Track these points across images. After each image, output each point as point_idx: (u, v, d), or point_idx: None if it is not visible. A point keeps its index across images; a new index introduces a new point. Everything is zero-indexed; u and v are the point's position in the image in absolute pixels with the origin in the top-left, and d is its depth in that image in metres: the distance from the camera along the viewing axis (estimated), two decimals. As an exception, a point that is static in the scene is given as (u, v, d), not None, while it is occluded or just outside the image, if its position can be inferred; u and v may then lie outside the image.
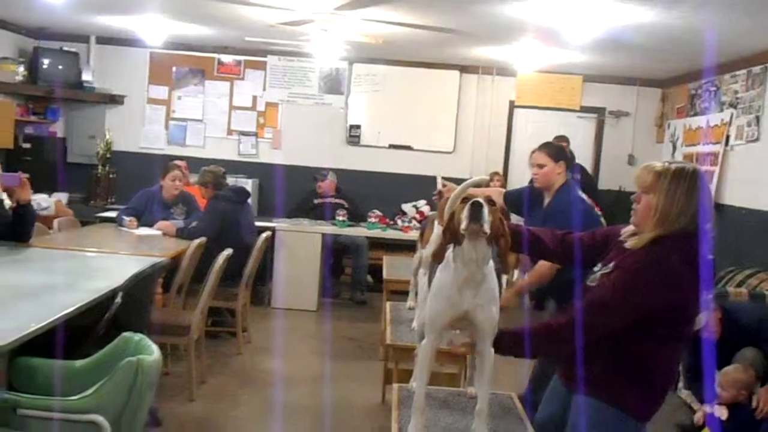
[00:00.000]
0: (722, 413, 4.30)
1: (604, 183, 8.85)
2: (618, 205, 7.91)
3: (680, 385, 5.08)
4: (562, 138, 8.18)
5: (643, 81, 8.85)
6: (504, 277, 7.56)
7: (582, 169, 8.31)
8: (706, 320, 4.18)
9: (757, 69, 6.54)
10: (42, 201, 6.52)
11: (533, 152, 4.34)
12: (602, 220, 4.54)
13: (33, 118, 8.61)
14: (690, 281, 2.34)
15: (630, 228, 2.53)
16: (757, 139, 6.44)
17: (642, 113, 8.93)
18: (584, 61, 7.87)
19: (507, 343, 2.47)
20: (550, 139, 8.28)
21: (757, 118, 6.44)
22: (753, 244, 6.20)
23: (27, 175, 4.60)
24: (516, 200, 4.50)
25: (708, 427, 4.39)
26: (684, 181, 2.38)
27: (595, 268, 2.56)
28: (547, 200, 4.29)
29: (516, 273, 8.03)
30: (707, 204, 2.41)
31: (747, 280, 5.65)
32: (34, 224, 4.88)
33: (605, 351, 2.44)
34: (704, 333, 4.05)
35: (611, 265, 2.47)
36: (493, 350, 2.47)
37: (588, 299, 2.44)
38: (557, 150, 4.32)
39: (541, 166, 4.25)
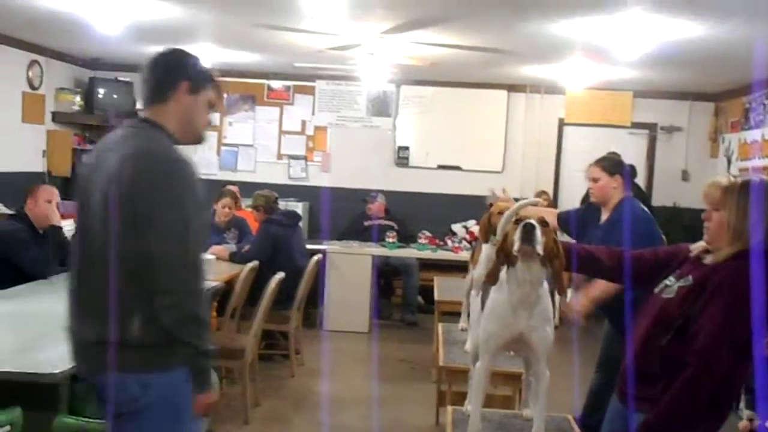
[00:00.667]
0: None
1: (658, 200, 8.70)
2: (673, 222, 7.77)
3: (741, 404, 4.94)
4: (615, 154, 8.07)
5: (695, 95, 8.71)
6: (557, 298, 7.53)
7: (635, 185, 8.19)
8: None
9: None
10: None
11: (589, 166, 4.29)
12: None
13: (90, 146, 8.83)
14: None
15: (700, 245, 2.49)
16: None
17: (695, 128, 8.78)
18: (634, 77, 7.78)
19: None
20: (600, 155, 8.25)
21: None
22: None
23: None
24: (569, 220, 4.44)
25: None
26: (753, 194, 2.35)
27: (667, 282, 2.50)
28: (605, 216, 4.21)
29: (570, 292, 7.93)
30: None
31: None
32: None
33: (667, 367, 2.39)
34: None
35: (690, 278, 2.42)
36: (547, 372, 2.44)
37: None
38: (613, 164, 4.23)
39: (595, 180, 4.19)
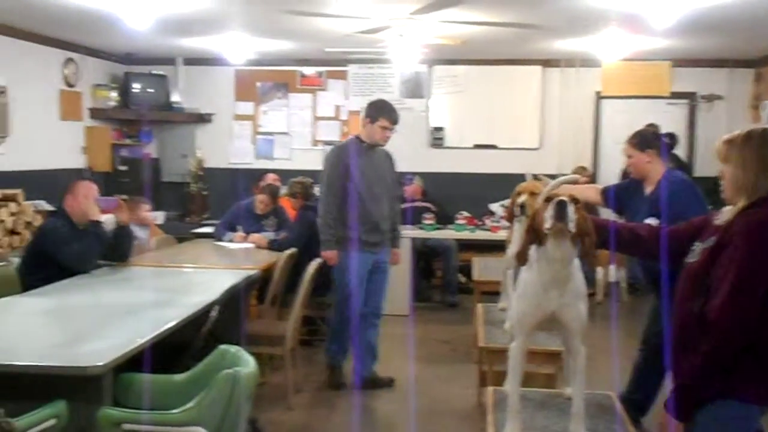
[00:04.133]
0: None
1: (700, 170, 8.53)
2: (715, 192, 7.58)
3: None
4: (652, 126, 7.93)
5: (735, 62, 8.51)
6: (599, 271, 7.45)
7: (674, 156, 8.04)
8: None
9: None
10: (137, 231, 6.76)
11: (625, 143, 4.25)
12: None
13: (127, 141, 8.96)
14: None
15: (728, 208, 2.44)
16: None
17: (736, 95, 8.58)
18: (671, 46, 7.62)
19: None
20: (639, 128, 8.10)
21: None
22: None
23: (124, 197, 4.82)
24: (609, 196, 4.37)
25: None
26: (753, 144, 2.29)
27: (693, 247, 2.45)
28: (649, 189, 4.12)
29: (612, 269, 7.85)
30: None
31: None
32: (132, 245, 5.08)
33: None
34: None
35: (712, 239, 2.37)
36: (584, 348, 2.41)
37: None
38: (642, 139, 4.15)
39: (629, 157, 4.15)
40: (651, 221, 3.61)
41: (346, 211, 4.98)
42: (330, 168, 5.08)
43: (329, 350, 5.33)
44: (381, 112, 5.10)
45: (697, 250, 2.42)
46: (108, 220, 4.92)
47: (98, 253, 4.71)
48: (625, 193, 4.25)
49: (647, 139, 4.15)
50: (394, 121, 5.18)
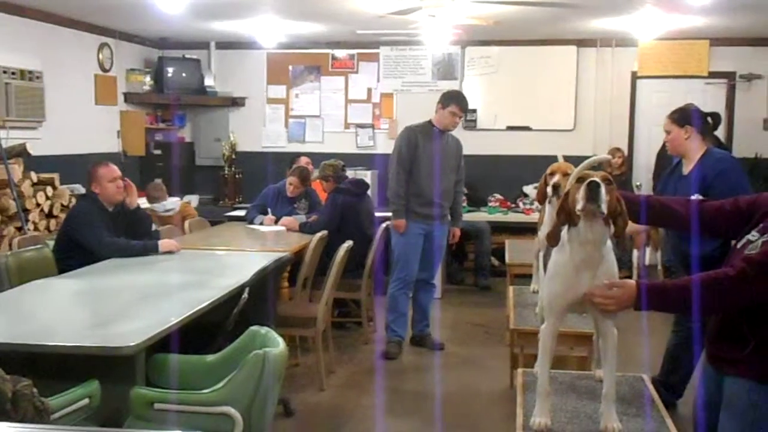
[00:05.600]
0: None
1: (739, 151, 8.34)
2: (755, 172, 7.47)
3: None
4: (690, 106, 7.78)
5: (775, 40, 8.31)
6: (635, 254, 7.36)
7: (714, 137, 7.88)
8: None
9: None
10: (168, 204, 6.85)
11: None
12: None
13: (162, 125, 9.04)
14: None
15: None
16: None
17: (776, 75, 8.38)
18: (709, 24, 7.45)
19: (652, 296, 2.33)
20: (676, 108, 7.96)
21: None
22: None
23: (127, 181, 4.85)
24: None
25: None
26: None
27: (750, 237, 2.38)
28: (687, 168, 4.04)
29: (648, 251, 7.76)
30: None
31: None
32: (152, 224, 5.17)
33: (755, 328, 2.30)
34: None
35: None
36: (615, 330, 2.38)
37: (755, 256, 2.27)
38: (683, 114, 4.08)
39: (668, 132, 4.09)
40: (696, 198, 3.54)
41: (408, 185, 5.59)
42: (401, 146, 5.64)
43: (388, 320, 5.75)
44: (452, 99, 5.61)
45: (757, 243, 2.34)
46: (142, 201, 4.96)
47: (131, 234, 4.76)
48: (662, 178, 4.17)
49: (687, 115, 4.07)
50: (464, 108, 5.68)
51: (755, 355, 2.31)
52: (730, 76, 8.55)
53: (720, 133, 8.26)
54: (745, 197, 2.60)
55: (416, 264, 5.67)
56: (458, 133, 8.88)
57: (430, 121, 5.68)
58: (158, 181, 7.21)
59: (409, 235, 5.59)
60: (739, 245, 2.42)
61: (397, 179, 5.57)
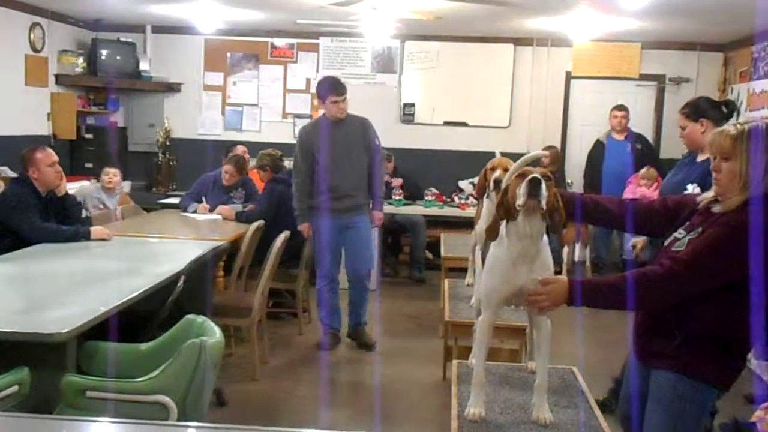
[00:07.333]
0: None
1: (667, 152, 8.62)
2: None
3: (750, 355, 4.94)
4: (622, 107, 8.01)
5: (703, 46, 8.58)
6: (565, 250, 7.54)
7: (642, 138, 8.12)
8: None
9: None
10: (105, 200, 6.70)
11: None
12: None
13: (94, 108, 8.81)
14: None
15: (707, 195, 2.46)
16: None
17: (704, 79, 8.65)
18: (642, 28, 7.67)
19: (584, 292, 2.41)
20: (607, 108, 8.16)
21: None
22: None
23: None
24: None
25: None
26: (762, 140, 2.31)
27: (677, 234, 2.48)
28: (702, 156, 3.83)
29: (577, 247, 7.94)
30: None
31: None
32: (81, 210, 5.13)
33: (682, 323, 2.39)
34: None
35: (700, 229, 2.40)
36: (549, 323, 2.44)
37: (681, 255, 2.36)
38: (694, 109, 3.95)
39: (683, 128, 3.95)
40: (693, 188, 3.57)
41: (315, 183, 5.51)
42: (298, 147, 5.61)
43: (320, 315, 5.72)
44: (326, 91, 5.49)
45: (683, 240, 2.43)
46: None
47: (63, 220, 4.66)
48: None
49: (700, 108, 3.94)
50: (341, 92, 5.51)
51: (682, 348, 2.41)
52: (660, 79, 8.81)
53: (648, 134, 8.54)
54: (673, 197, 2.72)
55: (335, 259, 5.60)
56: (395, 126, 8.99)
57: (324, 115, 5.63)
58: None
59: (323, 232, 5.50)
60: (666, 242, 2.52)
61: (295, 185, 5.55)
